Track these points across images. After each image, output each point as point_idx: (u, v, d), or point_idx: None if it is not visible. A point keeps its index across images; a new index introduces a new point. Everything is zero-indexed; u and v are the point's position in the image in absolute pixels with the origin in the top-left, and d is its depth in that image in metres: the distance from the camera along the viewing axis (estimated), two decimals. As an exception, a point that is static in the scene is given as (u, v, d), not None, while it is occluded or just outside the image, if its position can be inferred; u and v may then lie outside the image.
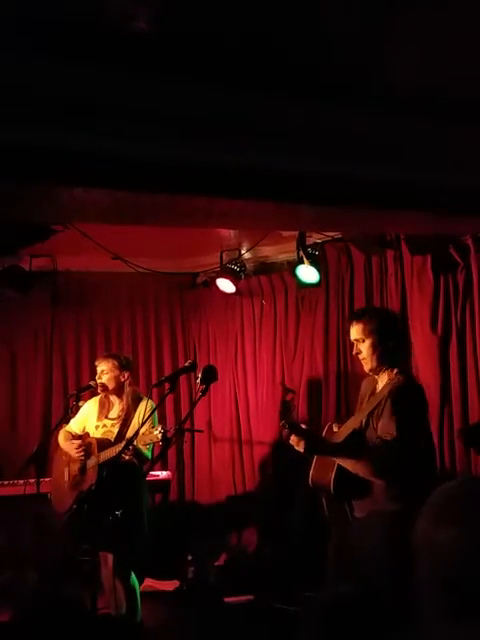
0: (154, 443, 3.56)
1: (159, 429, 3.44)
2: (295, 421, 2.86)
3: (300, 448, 2.77)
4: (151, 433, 3.47)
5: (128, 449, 3.41)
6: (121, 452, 3.41)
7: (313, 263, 4.45)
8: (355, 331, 2.92)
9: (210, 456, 5.56)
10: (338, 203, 2.80)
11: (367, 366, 2.93)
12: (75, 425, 3.97)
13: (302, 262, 4.45)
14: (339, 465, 2.78)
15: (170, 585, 4.60)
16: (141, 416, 3.76)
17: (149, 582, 4.53)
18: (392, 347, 2.88)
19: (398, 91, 2.51)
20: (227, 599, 4.34)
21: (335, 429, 2.95)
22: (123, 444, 3.54)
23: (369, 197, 2.78)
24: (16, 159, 2.17)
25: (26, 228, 3.66)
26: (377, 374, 2.94)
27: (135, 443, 3.45)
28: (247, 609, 4.22)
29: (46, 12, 1.91)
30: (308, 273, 4.50)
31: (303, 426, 2.90)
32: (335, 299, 4.64)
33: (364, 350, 2.90)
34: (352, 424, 2.91)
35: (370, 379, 3.04)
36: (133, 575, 3.68)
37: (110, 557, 3.60)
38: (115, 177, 2.31)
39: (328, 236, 4.57)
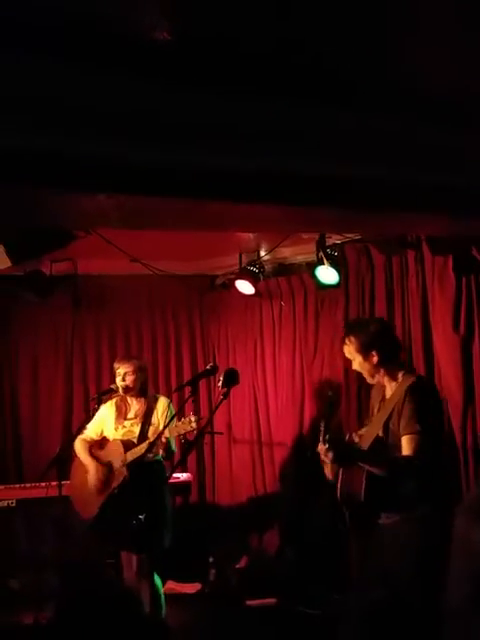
0: (185, 434, 3.58)
1: (192, 418, 3.46)
2: (334, 432, 2.82)
3: (327, 458, 2.76)
4: (184, 423, 3.48)
5: (155, 445, 3.44)
6: (150, 448, 3.44)
7: (333, 264, 4.43)
8: (345, 351, 3.02)
9: (230, 458, 5.56)
10: (358, 206, 2.79)
11: (367, 379, 3.01)
12: (91, 430, 3.99)
13: (322, 263, 4.44)
14: (369, 474, 2.75)
15: (192, 588, 4.61)
16: (159, 413, 3.80)
17: (171, 585, 4.54)
18: (382, 357, 2.92)
19: (416, 93, 2.49)
20: (249, 602, 4.34)
21: (356, 439, 2.95)
22: (149, 441, 3.57)
23: (389, 199, 2.76)
24: (40, 166, 2.18)
25: (48, 234, 3.68)
26: (381, 382, 2.97)
27: (168, 435, 3.46)
28: (269, 612, 4.21)
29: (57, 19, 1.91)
30: (328, 274, 4.48)
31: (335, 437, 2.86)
32: (355, 300, 4.61)
33: (357, 368, 2.99)
34: (372, 432, 2.90)
35: (378, 386, 3.06)
36: (157, 576, 3.70)
37: (134, 558, 3.62)
38: (138, 183, 2.32)
39: (348, 237, 4.55)
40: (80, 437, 3.99)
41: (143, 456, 3.57)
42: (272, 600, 4.30)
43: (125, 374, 3.90)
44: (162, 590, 3.77)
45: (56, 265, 4.70)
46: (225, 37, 2.10)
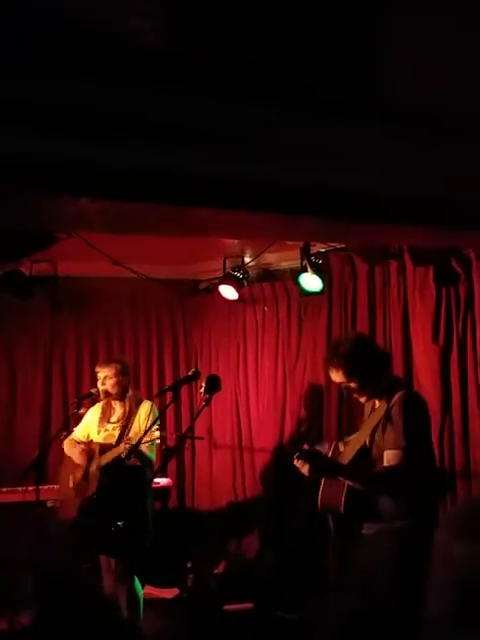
0: (155, 444, 3.57)
1: (157, 429, 3.49)
2: (311, 447, 2.81)
3: (304, 470, 2.76)
4: (152, 433, 3.48)
5: (130, 451, 3.43)
6: (128, 456, 3.42)
7: (316, 271, 4.45)
8: (337, 377, 2.95)
9: (211, 463, 5.56)
10: (341, 216, 2.81)
11: (363, 399, 2.98)
12: (79, 433, 3.99)
13: (306, 270, 4.46)
14: (349, 487, 2.75)
15: (170, 593, 4.60)
16: (141, 418, 3.79)
17: (149, 589, 4.52)
18: (362, 382, 2.90)
19: (400, 105, 2.52)
20: (227, 607, 4.34)
21: (341, 448, 2.94)
22: (124, 447, 3.57)
23: (372, 211, 2.79)
24: (20, 169, 2.17)
25: (29, 236, 3.66)
26: (372, 398, 2.97)
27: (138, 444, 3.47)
28: (247, 617, 4.21)
29: (46, 19, 1.91)
30: (311, 281, 4.50)
31: (315, 448, 2.86)
32: (338, 308, 4.64)
33: (356, 388, 2.94)
34: (357, 442, 2.90)
35: None
36: (137, 581, 3.69)
37: (113, 562, 3.61)
38: (120, 188, 2.32)
39: (332, 245, 4.58)
40: (69, 438, 3.98)
41: (120, 460, 3.55)
42: (250, 605, 4.31)
43: (105, 378, 3.89)
44: (142, 595, 3.76)
45: (36, 266, 4.66)
46: (213, 41, 2.11)
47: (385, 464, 2.76)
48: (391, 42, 2.13)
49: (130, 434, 3.76)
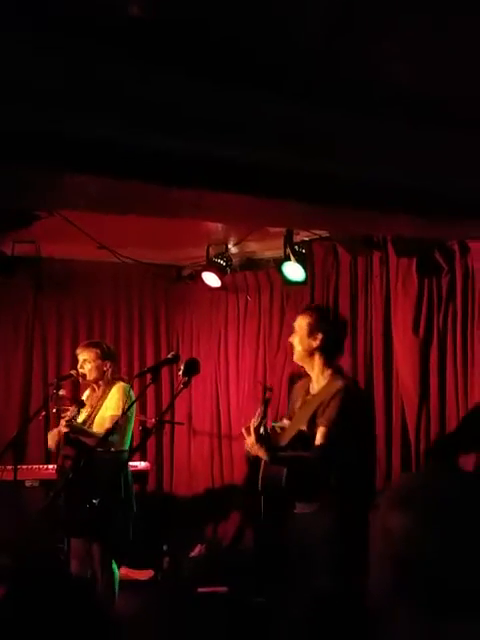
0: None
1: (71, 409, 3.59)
2: (264, 431, 2.91)
3: (260, 454, 2.85)
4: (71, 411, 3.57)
5: (70, 426, 3.49)
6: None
7: (299, 261, 4.46)
8: (296, 321, 3.10)
9: (189, 449, 5.58)
10: (325, 202, 2.83)
11: (295, 356, 3.09)
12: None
13: (289, 259, 4.47)
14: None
15: (145, 574, 4.62)
16: (111, 399, 3.77)
17: (124, 571, 4.53)
18: (324, 344, 2.99)
19: (387, 93, 2.54)
20: (201, 589, 4.37)
21: (278, 431, 3.04)
22: (62, 423, 3.61)
23: (356, 198, 2.81)
24: (2, 144, 2.16)
25: (9, 213, 3.63)
26: (305, 367, 3.06)
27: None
28: (220, 600, 4.25)
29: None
30: (294, 271, 4.51)
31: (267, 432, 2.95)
32: (320, 297, 4.66)
33: (294, 340, 3.06)
34: (295, 426, 2.97)
35: (303, 382, 3.14)
36: (114, 563, 3.69)
37: (88, 545, 3.60)
38: (103, 164, 2.31)
39: (316, 234, 4.59)
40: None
41: (90, 444, 3.54)
42: (224, 588, 4.34)
43: (84, 362, 3.86)
44: (117, 576, 3.76)
45: (18, 246, 4.63)
46: (199, 23, 2.11)
47: (316, 440, 2.86)
48: (377, 25, 2.14)
49: (96, 416, 3.75)
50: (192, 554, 4.93)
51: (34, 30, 2.07)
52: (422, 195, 2.86)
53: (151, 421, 3.61)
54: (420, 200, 2.88)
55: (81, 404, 3.74)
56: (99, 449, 3.47)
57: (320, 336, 2.98)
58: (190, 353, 5.43)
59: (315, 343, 2.98)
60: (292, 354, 4.95)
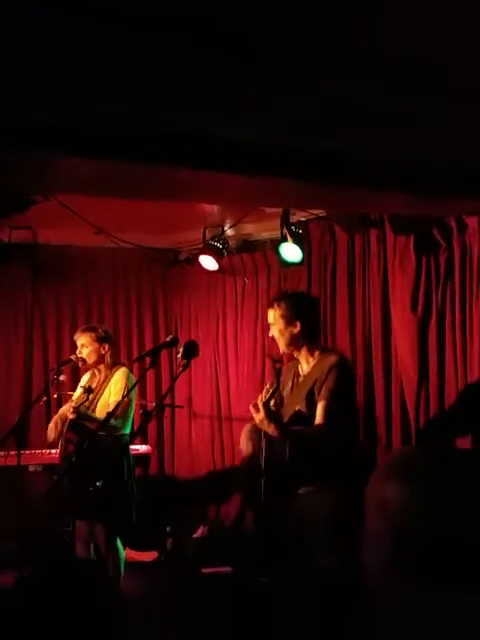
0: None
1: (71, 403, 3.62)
2: (275, 405, 2.88)
3: (270, 430, 2.81)
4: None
5: (77, 412, 3.53)
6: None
7: (296, 241, 4.45)
8: (269, 316, 3.07)
9: (190, 432, 5.61)
10: (321, 179, 2.81)
11: (280, 348, 3.08)
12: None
13: (285, 240, 4.46)
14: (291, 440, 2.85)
15: (149, 556, 4.66)
16: (112, 384, 3.78)
17: (128, 552, 4.57)
18: (304, 329, 2.98)
19: (386, 68, 2.51)
20: (205, 570, 4.41)
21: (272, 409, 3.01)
22: (68, 406, 3.63)
23: (353, 175, 2.79)
24: None
25: (5, 197, 3.61)
26: (293, 355, 3.05)
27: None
28: (224, 580, 4.29)
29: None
30: (291, 251, 4.51)
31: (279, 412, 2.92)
32: (317, 278, 4.66)
33: (275, 333, 3.05)
34: (291, 407, 2.96)
35: (290, 366, 3.13)
36: (119, 544, 3.72)
37: (95, 527, 3.63)
38: (96, 146, 2.29)
39: (312, 214, 4.58)
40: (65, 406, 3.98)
41: (93, 428, 3.56)
42: (227, 568, 4.38)
43: (81, 346, 3.87)
44: (123, 557, 3.80)
45: (15, 233, 4.62)
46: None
47: (317, 417, 2.86)
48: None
49: (99, 401, 3.76)
50: (195, 535, 4.98)
51: (35, 12, 2.05)
52: (420, 171, 2.84)
53: (151, 405, 3.62)
54: (418, 177, 2.86)
55: (89, 390, 3.76)
56: (101, 433, 3.48)
57: (298, 323, 2.98)
58: (188, 336, 5.42)
59: (296, 330, 2.98)
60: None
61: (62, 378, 4.08)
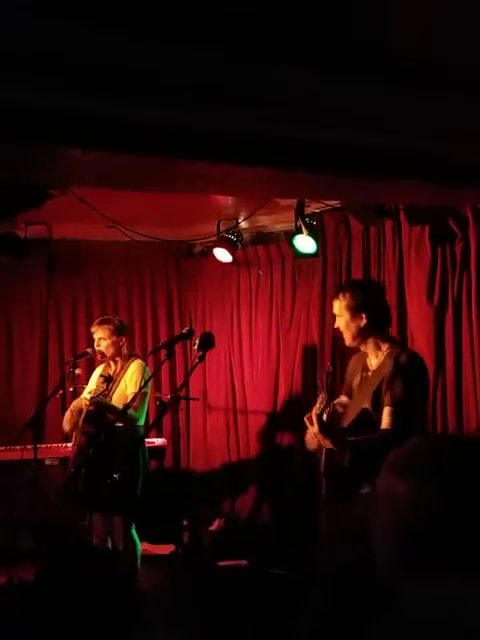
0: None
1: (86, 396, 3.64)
2: (330, 415, 2.75)
3: (326, 443, 2.70)
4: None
5: (95, 404, 3.55)
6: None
7: (311, 233, 4.43)
8: (334, 306, 2.93)
9: (205, 425, 5.61)
10: (337, 171, 2.79)
11: (346, 341, 2.93)
12: (87, 391, 4.00)
13: (300, 232, 4.44)
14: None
15: (166, 549, 4.68)
16: (128, 375, 3.80)
17: (145, 546, 4.60)
18: (371, 322, 2.83)
19: (398, 61, 2.48)
20: (221, 563, 4.42)
21: (340, 410, 2.89)
22: (84, 399, 3.65)
23: (368, 165, 2.77)
24: (15, 119, 2.15)
25: (22, 192, 3.63)
26: (360, 348, 2.92)
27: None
28: (241, 573, 4.30)
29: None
30: (306, 243, 4.49)
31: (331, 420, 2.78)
32: (332, 269, 4.63)
33: (341, 325, 2.90)
34: (358, 404, 2.83)
35: (359, 356, 3.00)
36: (136, 537, 3.74)
37: (113, 519, 3.65)
38: (114, 139, 2.29)
39: (327, 205, 4.55)
40: (80, 397, 4.01)
41: (109, 419, 3.57)
42: (244, 562, 4.39)
43: (99, 339, 3.89)
44: (140, 550, 3.82)
45: (31, 228, 4.65)
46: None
47: (383, 422, 2.72)
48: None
49: (115, 391, 3.77)
50: (211, 528, 4.99)
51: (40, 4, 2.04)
52: (436, 161, 2.81)
53: (166, 397, 3.63)
54: (434, 166, 2.83)
55: (109, 379, 3.77)
56: (119, 424, 3.49)
57: (364, 315, 2.82)
58: (203, 329, 5.41)
59: (362, 323, 2.83)
60: (305, 327, 4.95)
61: (78, 371, 4.11)
